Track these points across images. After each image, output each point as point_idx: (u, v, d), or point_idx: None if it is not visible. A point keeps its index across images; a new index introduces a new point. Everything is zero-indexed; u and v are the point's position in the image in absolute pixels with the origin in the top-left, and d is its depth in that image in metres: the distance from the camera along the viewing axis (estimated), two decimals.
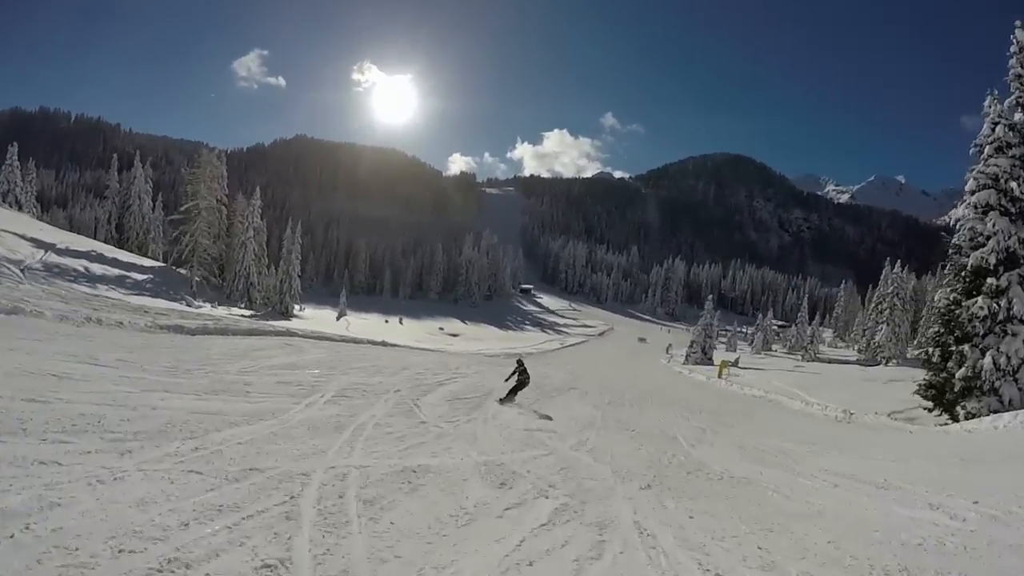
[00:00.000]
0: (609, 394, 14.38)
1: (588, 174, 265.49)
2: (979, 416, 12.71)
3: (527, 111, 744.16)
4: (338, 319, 49.21)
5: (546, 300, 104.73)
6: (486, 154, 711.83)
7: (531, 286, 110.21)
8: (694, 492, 5.19)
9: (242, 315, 29.55)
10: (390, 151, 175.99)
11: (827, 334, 70.13)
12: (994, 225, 13.48)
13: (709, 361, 41.59)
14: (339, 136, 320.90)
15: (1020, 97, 13.93)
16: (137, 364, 7.85)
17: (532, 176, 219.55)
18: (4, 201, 40.95)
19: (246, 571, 2.64)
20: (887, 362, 42.52)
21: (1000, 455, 8.04)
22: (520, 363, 10.48)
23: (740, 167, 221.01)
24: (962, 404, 13.62)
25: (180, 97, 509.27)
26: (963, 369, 13.55)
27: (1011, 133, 13.78)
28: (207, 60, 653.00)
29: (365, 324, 48.86)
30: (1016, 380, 12.87)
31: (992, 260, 13.39)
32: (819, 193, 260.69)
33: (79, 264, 28.70)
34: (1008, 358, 12.88)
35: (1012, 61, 13.95)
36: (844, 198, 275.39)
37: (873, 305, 49.74)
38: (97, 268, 29.43)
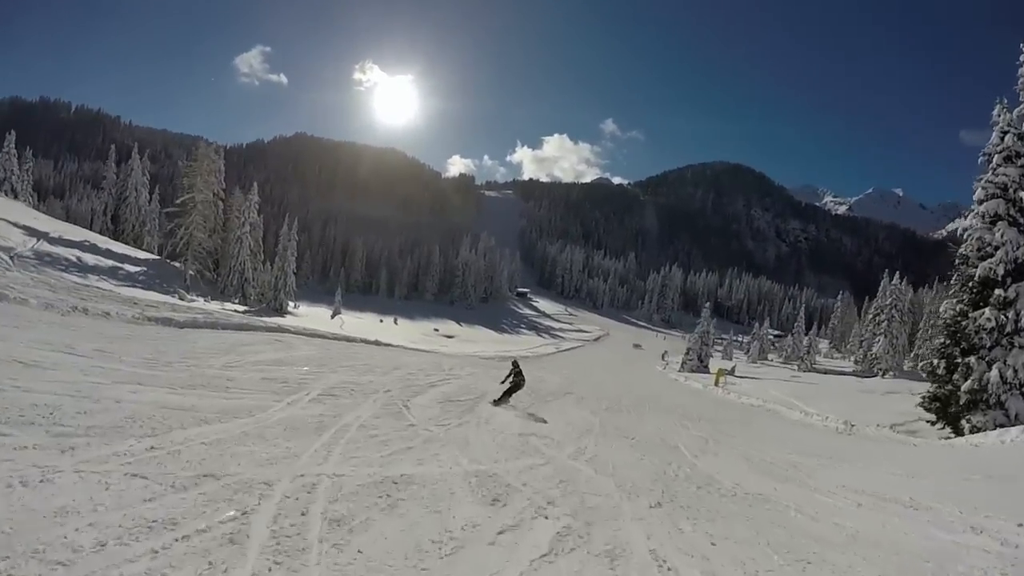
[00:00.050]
0: (606, 400, 14.06)
1: (587, 179, 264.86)
2: (984, 430, 12.45)
3: (527, 115, 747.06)
4: (333, 317, 48.83)
5: (542, 304, 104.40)
6: (485, 157, 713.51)
7: (527, 290, 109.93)
8: (709, 511, 4.70)
9: (235, 310, 29.10)
10: (390, 151, 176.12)
11: (823, 345, 70.04)
12: (1003, 235, 13.25)
13: (705, 369, 41.34)
14: (339, 135, 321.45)
15: None
16: (115, 355, 7.49)
17: (531, 180, 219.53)
18: (0, 189, 40.50)
19: None
20: (884, 374, 42.43)
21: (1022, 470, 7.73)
22: (515, 364, 10.22)
23: (739, 176, 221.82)
24: (967, 417, 13.35)
25: (181, 91, 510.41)
26: (969, 382, 13.27)
27: (1020, 142, 13.63)
28: (209, 55, 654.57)
29: (360, 323, 48.47)
30: (1023, 394, 12.61)
31: (1000, 271, 13.15)
32: (817, 204, 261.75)
33: (71, 254, 28.26)
34: (1015, 371, 12.61)
35: (1022, 70, 13.78)
36: (842, 209, 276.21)
37: (871, 317, 49.64)
38: (89, 258, 29.00)
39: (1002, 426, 12.04)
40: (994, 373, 12.81)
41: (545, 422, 8.48)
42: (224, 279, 37.52)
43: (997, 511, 5.10)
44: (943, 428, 14.18)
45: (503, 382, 10.00)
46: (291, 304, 42.02)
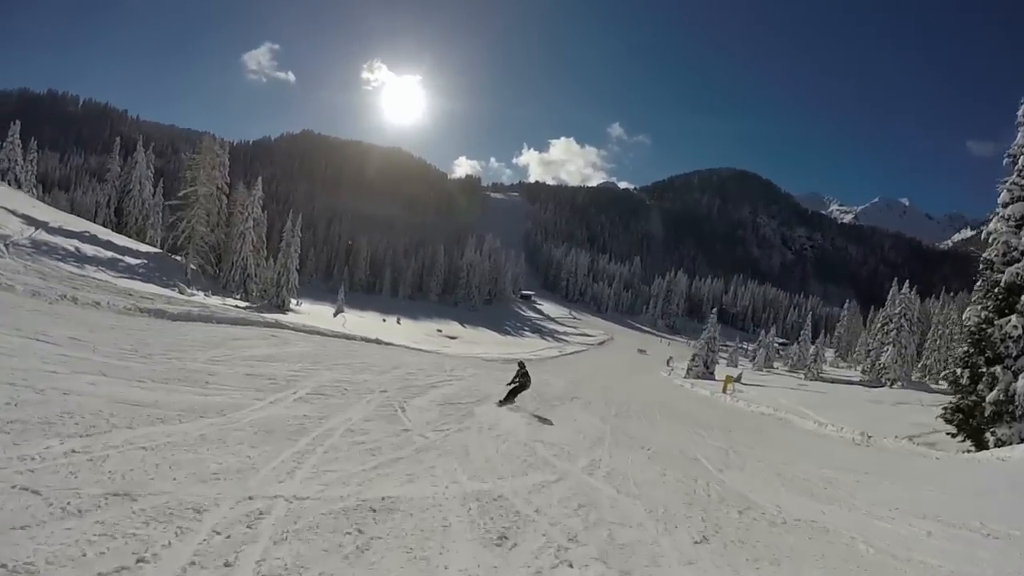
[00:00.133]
0: (614, 405, 13.45)
1: (593, 183, 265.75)
2: (1010, 443, 11.78)
3: (534, 117, 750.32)
4: (335, 315, 48.30)
5: (546, 307, 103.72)
6: (492, 159, 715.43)
7: (532, 292, 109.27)
8: (768, 548, 3.90)
9: (235, 306, 28.62)
10: (396, 151, 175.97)
11: (828, 354, 69.19)
12: None
13: (711, 375, 40.69)
14: (346, 133, 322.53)
15: None
16: (90, 345, 6.94)
17: (537, 183, 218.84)
18: (3, 179, 40.16)
19: None
20: (892, 384, 41.66)
21: None
22: (521, 365, 9.81)
23: (745, 183, 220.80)
24: (992, 430, 12.70)
25: (189, 87, 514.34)
26: (994, 392, 12.63)
27: None
28: (217, 52, 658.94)
29: (362, 322, 47.96)
30: None
31: None
32: (823, 212, 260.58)
33: (70, 244, 27.82)
34: None
35: None
36: (848, 218, 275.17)
37: (878, 326, 48.82)
38: (88, 249, 28.56)
39: None
40: (1021, 383, 12.19)
41: (552, 427, 7.89)
42: (226, 274, 37.08)
43: None
44: (963, 441, 13.54)
45: (508, 384, 9.52)
46: (293, 301, 41.58)
